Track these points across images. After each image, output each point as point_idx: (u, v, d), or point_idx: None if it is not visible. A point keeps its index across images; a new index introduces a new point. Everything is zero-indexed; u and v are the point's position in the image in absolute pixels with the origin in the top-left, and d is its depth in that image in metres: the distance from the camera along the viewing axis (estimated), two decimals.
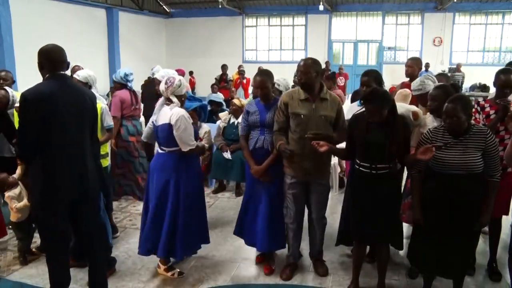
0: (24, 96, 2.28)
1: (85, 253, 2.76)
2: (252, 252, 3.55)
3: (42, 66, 2.43)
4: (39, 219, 2.53)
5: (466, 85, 12.26)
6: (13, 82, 4.00)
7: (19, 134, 2.36)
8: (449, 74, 9.53)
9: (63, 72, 2.46)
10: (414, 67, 4.13)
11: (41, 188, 2.40)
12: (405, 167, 2.97)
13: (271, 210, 3.12)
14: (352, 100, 3.59)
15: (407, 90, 3.35)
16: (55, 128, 2.33)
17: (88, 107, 2.52)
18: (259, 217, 3.16)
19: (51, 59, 2.41)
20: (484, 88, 11.90)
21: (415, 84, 3.26)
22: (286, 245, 3.29)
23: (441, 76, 3.73)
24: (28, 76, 5.59)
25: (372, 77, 3.28)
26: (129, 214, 4.56)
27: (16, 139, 2.49)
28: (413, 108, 3.12)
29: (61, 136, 2.36)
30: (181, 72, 7.46)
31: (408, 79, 4.18)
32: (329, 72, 12.28)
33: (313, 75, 2.85)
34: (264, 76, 3.08)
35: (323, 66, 13.33)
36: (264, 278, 3.23)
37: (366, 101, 2.60)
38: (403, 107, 3.03)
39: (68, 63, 2.49)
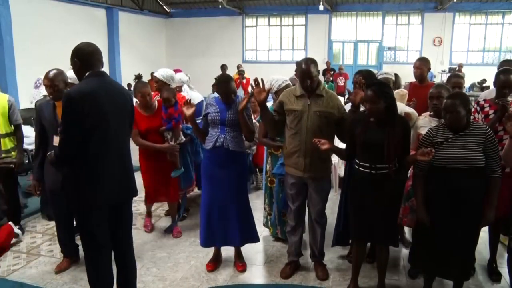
0: (67, 95, 2.22)
1: (119, 256, 2.60)
2: (252, 253, 3.56)
3: (79, 66, 2.35)
4: (80, 223, 2.42)
5: (466, 85, 12.20)
6: None
7: (62, 133, 2.27)
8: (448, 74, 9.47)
9: (102, 70, 2.40)
10: (423, 68, 4.05)
11: (84, 190, 2.31)
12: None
13: (237, 205, 3.17)
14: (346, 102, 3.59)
15: (404, 90, 3.35)
16: (98, 127, 2.27)
17: (128, 105, 2.52)
18: (227, 216, 3.18)
19: (87, 57, 2.35)
20: (483, 83, 11.76)
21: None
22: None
23: (456, 77, 3.70)
24: (28, 76, 5.62)
25: (362, 75, 3.25)
26: None
27: (59, 139, 2.38)
28: (407, 109, 3.12)
29: (104, 134, 2.30)
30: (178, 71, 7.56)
31: (415, 80, 4.15)
32: (330, 72, 12.41)
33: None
34: (228, 83, 3.11)
35: (325, 66, 13.41)
36: (264, 278, 3.24)
37: (367, 87, 2.61)
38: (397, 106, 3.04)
39: (102, 62, 2.45)
